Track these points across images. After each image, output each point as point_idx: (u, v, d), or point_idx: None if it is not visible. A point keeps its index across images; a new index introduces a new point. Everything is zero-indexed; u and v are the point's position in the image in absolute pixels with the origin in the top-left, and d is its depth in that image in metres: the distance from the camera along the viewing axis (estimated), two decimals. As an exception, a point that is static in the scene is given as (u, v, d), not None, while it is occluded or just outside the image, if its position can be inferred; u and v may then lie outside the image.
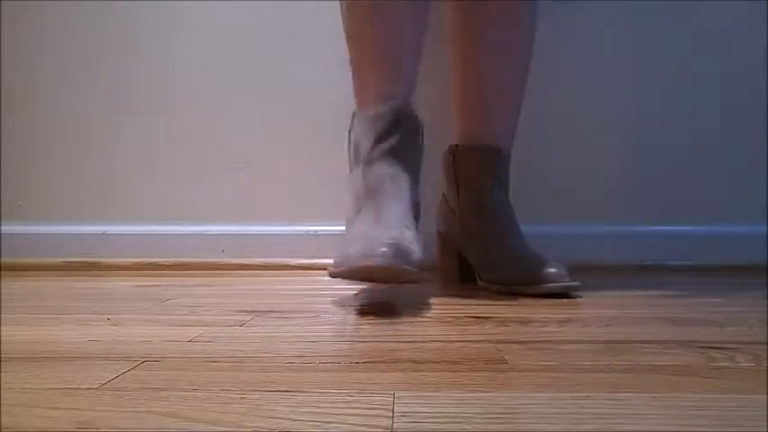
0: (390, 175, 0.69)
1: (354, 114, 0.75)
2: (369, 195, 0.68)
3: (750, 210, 1.06)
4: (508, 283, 0.74)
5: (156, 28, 1.10)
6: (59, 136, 1.11)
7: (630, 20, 1.07)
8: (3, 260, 1.07)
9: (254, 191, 1.09)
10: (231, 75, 1.09)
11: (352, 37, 0.76)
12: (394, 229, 0.62)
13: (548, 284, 0.70)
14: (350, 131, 0.75)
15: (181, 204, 1.10)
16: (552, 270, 0.71)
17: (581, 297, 0.71)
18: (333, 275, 0.64)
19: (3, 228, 1.10)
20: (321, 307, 0.65)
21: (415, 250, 0.62)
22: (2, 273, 1.01)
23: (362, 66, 0.75)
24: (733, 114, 1.07)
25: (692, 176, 1.07)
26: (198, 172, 1.10)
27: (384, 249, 0.58)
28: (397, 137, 0.70)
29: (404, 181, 0.69)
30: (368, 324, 0.55)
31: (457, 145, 0.87)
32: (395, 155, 0.70)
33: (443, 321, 0.56)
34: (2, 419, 0.30)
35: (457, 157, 0.86)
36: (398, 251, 0.59)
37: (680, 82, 1.07)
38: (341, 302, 0.68)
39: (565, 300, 0.69)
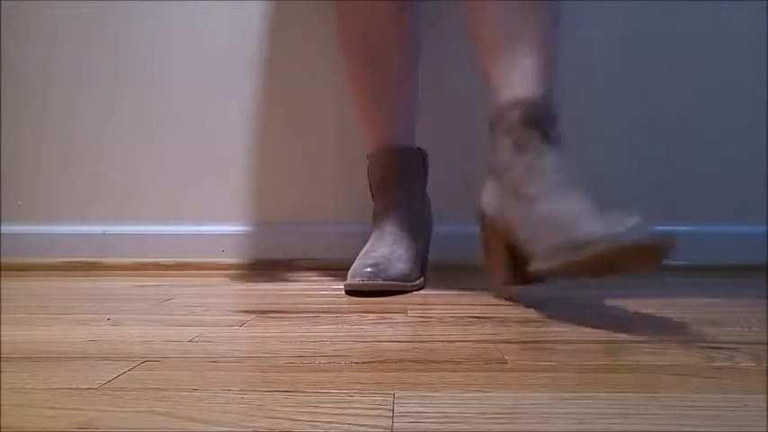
0: (389, 204, 0.83)
1: (368, 155, 0.88)
2: (375, 222, 0.84)
3: (750, 210, 1.06)
4: (567, 249, 0.53)
5: (155, 29, 1.10)
6: (59, 136, 1.11)
7: (629, 20, 1.07)
8: (3, 260, 1.07)
9: (254, 191, 1.09)
10: (231, 75, 1.09)
11: (350, 88, 0.88)
12: (386, 248, 0.77)
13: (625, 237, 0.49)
14: (368, 169, 0.88)
15: (181, 204, 1.10)
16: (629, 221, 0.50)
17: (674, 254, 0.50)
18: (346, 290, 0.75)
19: (3, 228, 1.10)
20: (321, 307, 0.65)
21: (400, 267, 0.75)
22: (2, 273, 1.01)
23: (363, 112, 0.88)
24: (733, 114, 1.06)
25: (692, 176, 1.07)
26: (198, 172, 1.09)
27: (367, 269, 0.72)
28: (397, 171, 0.84)
29: (402, 207, 0.83)
30: (368, 324, 0.55)
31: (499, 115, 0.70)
32: (394, 186, 0.84)
33: (443, 321, 0.56)
34: (2, 419, 0.30)
35: (497, 128, 0.70)
36: (379, 270, 0.72)
37: (679, 81, 1.07)
38: (341, 302, 0.68)
39: (564, 300, 0.69)
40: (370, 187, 0.89)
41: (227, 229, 1.08)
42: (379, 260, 0.75)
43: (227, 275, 0.97)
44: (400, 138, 0.86)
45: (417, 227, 0.84)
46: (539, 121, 0.67)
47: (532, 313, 0.60)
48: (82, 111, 1.11)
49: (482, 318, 0.57)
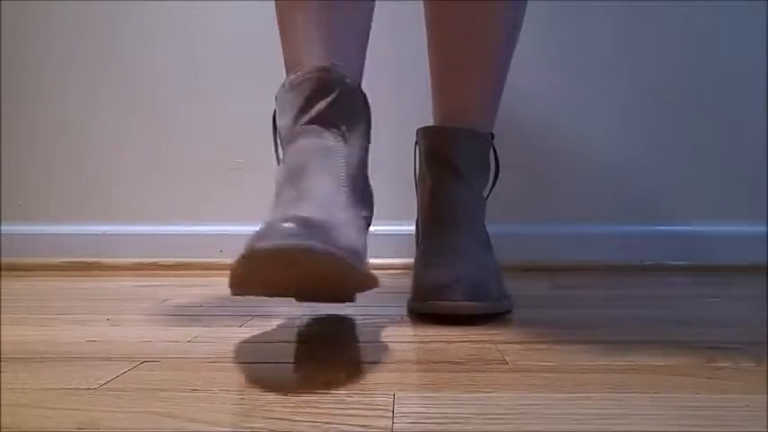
0: (317, 147, 0.50)
1: (276, 95, 0.55)
2: (289, 179, 0.49)
3: (750, 210, 1.06)
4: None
5: (155, 29, 1.10)
6: (59, 136, 1.11)
7: (630, 20, 1.07)
8: (3, 260, 1.06)
9: (254, 191, 1.09)
10: (230, 74, 1.09)
11: None
12: (317, 208, 0.45)
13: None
14: (274, 115, 0.55)
15: (180, 204, 1.10)
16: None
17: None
18: (232, 292, 0.44)
19: (3, 228, 1.10)
20: (321, 306, 0.65)
21: (349, 235, 0.43)
22: (2, 273, 1.01)
23: (290, 26, 0.57)
24: (733, 114, 1.07)
25: (692, 176, 1.07)
26: (197, 172, 1.10)
27: (289, 225, 0.38)
28: (326, 100, 0.51)
29: (338, 153, 0.51)
30: (368, 324, 0.55)
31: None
32: (324, 123, 0.51)
33: (443, 321, 0.56)
34: (2, 419, 0.30)
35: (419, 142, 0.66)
36: (315, 230, 0.39)
37: (680, 82, 1.07)
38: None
39: (564, 300, 0.69)
40: (275, 144, 0.57)
41: (227, 229, 1.08)
42: (306, 215, 0.42)
43: (227, 275, 0.97)
44: (338, 66, 0.53)
45: (358, 193, 0.54)
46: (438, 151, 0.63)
47: (532, 313, 0.60)
48: (84, 112, 1.11)
49: (482, 318, 0.57)
